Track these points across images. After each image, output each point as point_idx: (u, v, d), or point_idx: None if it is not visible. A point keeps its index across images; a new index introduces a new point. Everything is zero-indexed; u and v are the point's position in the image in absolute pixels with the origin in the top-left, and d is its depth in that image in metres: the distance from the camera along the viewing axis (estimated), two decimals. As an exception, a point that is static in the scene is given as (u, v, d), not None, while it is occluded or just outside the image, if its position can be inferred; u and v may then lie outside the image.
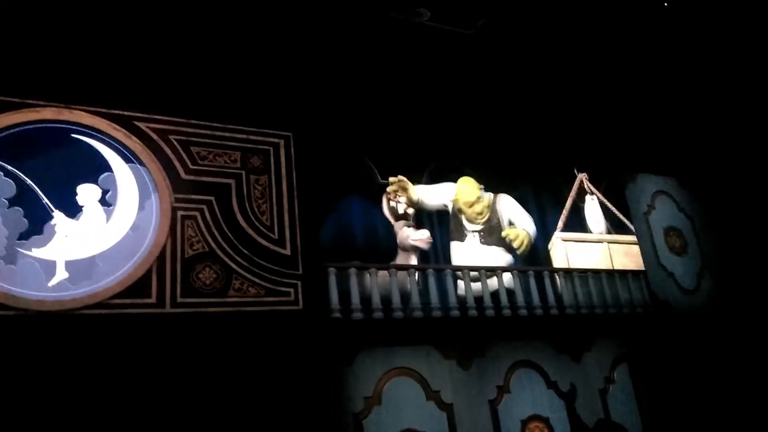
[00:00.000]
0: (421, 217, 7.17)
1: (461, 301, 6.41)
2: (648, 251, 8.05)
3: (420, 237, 6.67)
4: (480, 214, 7.31)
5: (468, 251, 7.08)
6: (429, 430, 5.71)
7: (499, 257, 7.18)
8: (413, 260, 6.65)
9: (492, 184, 7.79)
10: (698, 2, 6.68)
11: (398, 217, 6.80)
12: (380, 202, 6.77)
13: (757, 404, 7.30)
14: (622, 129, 8.37)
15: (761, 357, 7.66)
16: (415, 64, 6.72)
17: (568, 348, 6.80)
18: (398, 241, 6.68)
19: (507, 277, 6.81)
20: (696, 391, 7.11)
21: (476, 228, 7.29)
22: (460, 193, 7.40)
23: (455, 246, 7.08)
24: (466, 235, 7.21)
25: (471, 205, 7.34)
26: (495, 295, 6.64)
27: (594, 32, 6.98)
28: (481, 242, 7.23)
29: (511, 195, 7.84)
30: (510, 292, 6.71)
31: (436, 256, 6.99)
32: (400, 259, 6.62)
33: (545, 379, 6.54)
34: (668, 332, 7.45)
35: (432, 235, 6.93)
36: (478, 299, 6.51)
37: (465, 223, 7.27)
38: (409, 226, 6.74)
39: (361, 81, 6.60)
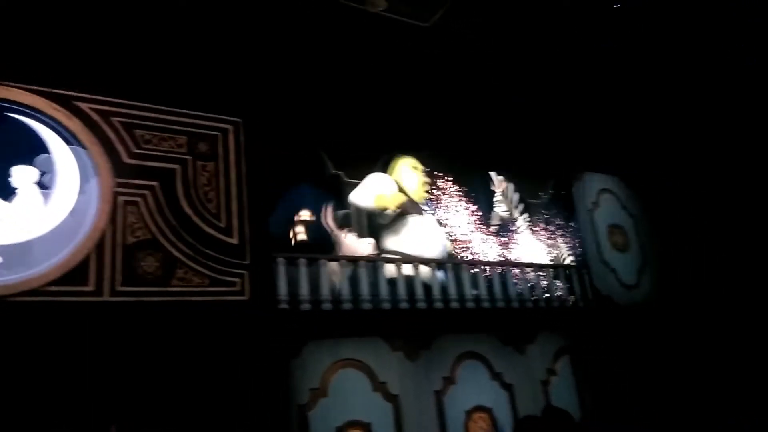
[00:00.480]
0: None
1: (410, 292, 6.42)
2: (591, 247, 8.28)
3: (365, 250, 6.51)
4: (423, 183, 7.30)
5: (429, 227, 7.05)
6: (374, 422, 5.71)
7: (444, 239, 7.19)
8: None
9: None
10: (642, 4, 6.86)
11: (341, 225, 6.64)
12: (332, 192, 6.67)
13: (692, 396, 7.64)
14: (571, 128, 8.57)
15: (697, 351, 8.01)
16: (369, 55, 6.69)
17: (513, 340, 6.93)
18: (342, 248, 6.51)
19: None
20: (635, 384, 7.37)
21: (425, 207, 7.27)
22: (410, 160, 7.39)
23: (416, 220, 6.97)
24: (423, 212, 7.14)
25: (417, 168, 7.31)
26: (434, 286, 6.66)
27: (546, 31, 7.12)
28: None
29: (459, 187, 7.89)
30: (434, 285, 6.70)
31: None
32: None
33: (490, 371, 6.65)
34: (609, 326, 7.70)
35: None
36: (427, 291, 6.53)
37: (418, 199, 7.19)
38: (351, 233, 6.59)
39: (313, 70, 6.51)
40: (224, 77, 5.85)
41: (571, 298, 7.76)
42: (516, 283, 7.34)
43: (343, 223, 6.71)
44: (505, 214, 7.94)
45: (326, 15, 6.15)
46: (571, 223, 8.53)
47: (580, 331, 7.52)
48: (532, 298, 7.36)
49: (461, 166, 7.94)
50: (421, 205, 7.17)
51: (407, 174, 7.26)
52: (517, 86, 7.86)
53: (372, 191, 6.66)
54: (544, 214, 8.53)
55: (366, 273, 6.26)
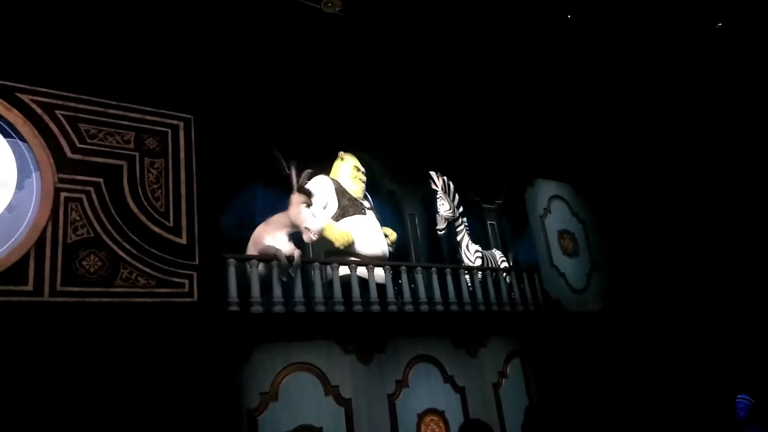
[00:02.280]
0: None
1: (364, 295, 6.37)
2: (542, 252, 8.44)
3: (314, 227, 6.18)
4: (363, 182, 7.18)
5: (372, 225, 6.94)
6: (326, 426, 5.64)
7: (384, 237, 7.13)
8: (288, 231, 6.21)
9: (392, 176, 7.86)
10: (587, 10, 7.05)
11: (301, 189, 6.32)
12: (285, 192, 6.53)
13: (640, 399, 7.86)
14: (524, 134, 8.74)
15: (643, 353, 8.25)
16: (323, 53, 6.66)
17: (465, 343, 6.97)
18: (291, 211, 6.20)
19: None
20: (583, 386, 7.53)
21: (368, 205, 7.14)
22: (352, 159, 7.27)
23: (360, 220, 6.83)
24: (365, 210, 7.00)
25: (359, 170, 7.20)
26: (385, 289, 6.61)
27: (502, 37, 7.25)
28: (378, 218, 7.13)
29: (409, 192, 7.92)
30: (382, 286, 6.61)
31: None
32: (278, 220, 6.21)
33: (442, 374, 6.67)
34: (558, 329, 7.85)
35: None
36: (381, 294, 6.50)
37: (358, 198, 7.05)
38: (308, 206, 6.27)
39: (267, 67, 6.44)
40: (175, 72, 5.70)
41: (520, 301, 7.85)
42: (469, 287, 7.38)
43: (304, 190, 6.40)
44: (448, 214, 7.93)
45: (280, 12, 6.09)
46: (515, 228, 8.68)
47: (530, 334, 7.64)
48: (485, 301, 7.41)
49: (412, 168, 7.96)
50: (362, 203, 7.05)
51: (348, 172, 7.16)
52: (474, 91, 7.97)
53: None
54: (488, 220, 8.65)
55: (319, 274, 6.19)
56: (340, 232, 6.57)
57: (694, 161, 9.20)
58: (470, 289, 7.37)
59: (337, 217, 6.81)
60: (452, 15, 6.70)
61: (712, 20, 7.47)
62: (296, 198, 6.29)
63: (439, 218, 7.87)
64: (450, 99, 7.94)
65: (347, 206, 6.87)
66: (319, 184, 6.84)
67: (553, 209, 8.99)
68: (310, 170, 6.54)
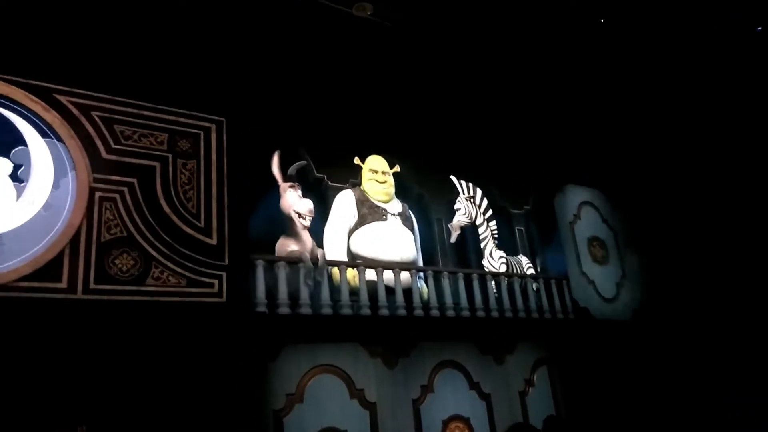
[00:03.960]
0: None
1: (390, 299, 6.36)
2: (571, 259, 8.31)
3: (302, 209, 6.22)
4: (381, 183, 7.11)
5: (393, 231, 6.91)
6: (351, 429, 5.65)
7: (413, 242, 7.09)
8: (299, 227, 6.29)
9: (421, 181, 7.83)
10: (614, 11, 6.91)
11: (285, 178, 6.38)
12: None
13: (667, 409, 7.69)
14: (554, 140, 8.64)
15: (673, 365, 8.07)
16: (354, 58, 6.68)
17: (492, 350, 6.91)
18: (281, 203, 6.30)
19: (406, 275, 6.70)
20: (611, 396, 7.39)
21: (395, 210, 7.10)
22: (369, 162, 7.22)
23: (379, 226, 6.83)
24: (387, 216, 6.99)
25: (376, 172, 7.15)
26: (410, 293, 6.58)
27: (533, 44, 7.18)
28: (403, 224, 7.08)
29: (437, 196, 7.85)
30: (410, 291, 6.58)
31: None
32: (289, 224, 6.29)
33: (468, 380, 6.61)
34: (587, 338, 7.72)
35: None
36: (408, 298, 6.48)
37: (380, 204, 7.03)
38: (295, 189, 6.31)
39: (298, 72, 6.49)
40: (208, 76, 5.79)
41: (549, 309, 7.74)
42: (495, 293, 7.31)
43: (290, 178, 6.45)
44: (464, 220, 7.82)
45: (311, 16, 6.12)
46: (543, 234, 8.56)
47: (557, 342, 7.53)
48: (512, 308, 7.32)
49: (439, 172, 7.92)
50: (383, 209, 7.02)
51: (366, 175, 7.15)
52: (505, 97, 7.90)
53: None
54: (516, 225, 8.54)
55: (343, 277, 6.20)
56: (349, 272, 6.44)
57: (730, 170, 8.98)
58: (496, 295, 7.30)
59: (356, 226, 6.81)
60: (482, 20, 6.66)
61: (753, 24, 7.28)
62: (282, 188, 6.35)
63: (451, 228, 7.78)
64: (480, 104, 7.90)
65: (366, 214, 6.88)
66: (340, 199, 6.87)
67: (583, 216, 8.85)
68: (301, 162, 6.56)
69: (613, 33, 7.17)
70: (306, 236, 6.26)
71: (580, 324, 7.84)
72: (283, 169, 6.44)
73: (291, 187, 6.32)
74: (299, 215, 6.22)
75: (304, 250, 6.09)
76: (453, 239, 7.76)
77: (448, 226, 7.80)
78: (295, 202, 6.23)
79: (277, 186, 6.45)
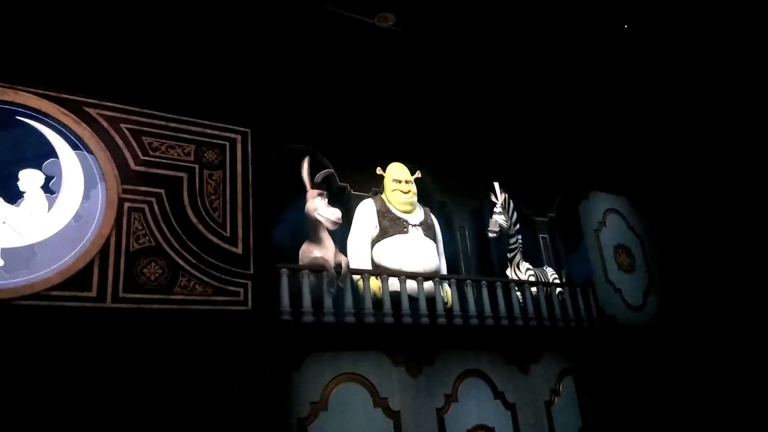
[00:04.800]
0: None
1: (413, 307, 6.35)
2: (597, 267, 8.22)
3: (329, 216, 6.19)
4: (405, 193, 7.04)
5: (414, 243, 6.85)
6: (375, 438, 5.65)
7: (435, 253, 7.04)
8: (325, 232, 6.25)
9: (443, 188, 7.80)
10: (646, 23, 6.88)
11: (314, 185, 6.39)
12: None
13: (696, 420, 7.53)
14: (579, 146, 8.57)
15: (702, 375, 7.92)
16: (378, 68, 6.73)
17: (516, 359, 6.85)
18: (306, 207, 6.30)
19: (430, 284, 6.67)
20: (639, 407, 7.28)
21: (416, 221, 7.04)
22: (389, 170, 7.17)
23: (400, 239, 6.78)
24: (407, 228, 6.93)
25: (400, 182, 7.08)
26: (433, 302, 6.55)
27: (556, 50, 7.16)
28: (425, 234, 7.01)
29: (459, 204, 7.82)
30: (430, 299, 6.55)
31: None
32: (312, 231, 6.27)
33: (493, 390, 6.56)
34: (614, 347, 7.62)
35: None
36: (431, 306, 6.47)
37: (401, 215, 6.98)
38: (322, 197, 6.30)
39: (323, 83, 6.56)
40: (233, 87, 5.89)
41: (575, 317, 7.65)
42: (520, 301, 7.25)
43: (319, 185, 6.46)
44: (504, 223, 7.76)
45: (334, 28, 6.19)
46: (568, 242, 8.47)
47: (584, 351, 7.44)
48: (537, 316, 7.26)
49: (466, 180, 7.89)
50: (405, 221, 6.97)
51: (389, 186, 7.12)
52: (526, 102, 7.88)
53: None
54: (540, 233, 8.46)
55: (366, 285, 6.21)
56: (373, 282, 6.42)
57: (757, 178, 8.81)
58: (521, 304, 7.24)
59: (378, 238, 6.81)
60: (505, 27, 6.66)
61: None
62: (309, 194, 6.36)
63: (492, 222, 7.63)
64: (504, 110, 7.88)
65: (387, 227, 6.86)
66: (362, 209, 6.87)
67: (608, 223, 8.75)
68: (329, 170, 6.59)
69: (638, 38, 7.10)
70: (329, 242, 6.28)
71: (606, 333, 7.73)
72: (311, 176, 6.46)
73: (319, 194, 6.35)
74: (323, 217, 6.22)
75: (327, 256, 6.12)
76: (493, 229, 7.63)
77: (490, 221, 7.68)
78: (320, 207, 6.25)
79: (300, 195, 6.49)
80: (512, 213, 7.93)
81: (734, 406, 7.79)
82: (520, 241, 7.92)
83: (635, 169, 9.09)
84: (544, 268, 8.09)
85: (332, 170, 6.68)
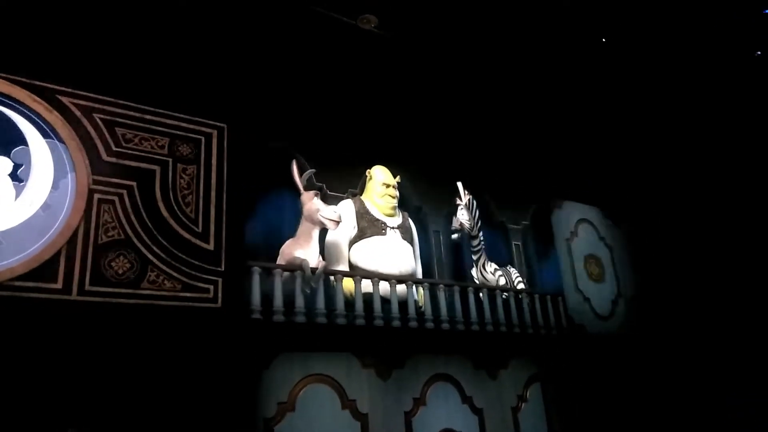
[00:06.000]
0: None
1: (386, 310, 6.35)
2: (567, 276, 8.33)
3: (330, 215, 6.21)
4: (394, 197, 7.11)
5: (391, 246, 6.87)
6: (342, 440, 5.62)
7: (411, 256, 7.06)
8: (315, 235, 6.28)
9: (420, 192, 7.83)
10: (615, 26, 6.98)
11: (308, 186, 6.42)
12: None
13: (663, 428, 7.67)
14: (554, 156, 8.68)
15: (670, 383, 8.07)
16: (355, 67, 6.73)
17: (486, 364, 6.89)
18: (304, 210, 6.30)
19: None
20: (605, 415, 7.38)
21: (394, 223, 7.06)
22: (377, 173, 7.20)
23: (377, 241, 6.80)
24: (386, 230, 6.96)
25: (388, 186, 7.13)
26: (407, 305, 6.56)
27: (533, 57, 7.24)
28: (402, 237, 7.05)
29: (435, 209, 7.85)
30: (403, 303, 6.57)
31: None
32: (302, 230, 6.27)
33: (461, 394, 6.59)
34: (581, 355, 7.72)
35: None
36: (402, 309, 6.47)
37: (380, 216, 7.00)
38: (319, 198, 6.34)
39: (300, 81, 6.54)
40: (211, 82, 5.83)
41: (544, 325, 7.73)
42: (491, 307, 7.30)
43: (311, 185, 6.49)
44: (466, 222, 7.79)
45: (316, 27, 6.18)
46: (540, 250, 8.56)
47: (552, 358, 7.52)
48: (507, 322, 7.31)
49: (442, 185, 7.92)
50: (383, 223, 6.99)
51: (377, 189, 7.13)
52: (505, 110, 7.96)
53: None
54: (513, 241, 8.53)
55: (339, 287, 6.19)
56: (348, 282, 6.43)
57: (726, 187, 9.04)
58: (492, 308, 7.28)
59: (356, 239, 6.81)
60: (484, 32, 6.73)
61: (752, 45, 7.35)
62: (306, 196, 6.35)
63: (454, 220, 7.67)
64: (479, 118, 7.95)
65: (365, 228, 6.87)
66: (340, 209, 6.82)
67: (579, 233, 8.89)
68: (312, 170, 6.58)
69: (613, 48, 7.23)
70: (315, 244, 6.26)
71: (574, 341, 7.83)
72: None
73: (316, 195, 6.34)
74: (326, 218, 6.20)
75: (309, 257, 6.08)
76: (455, 236, 7.68)
77: (453, 219, 7.70)
78: (322, 208, 6.25)
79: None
80: (475, 213, 7.95)
81: (708, 396, 7.96)
82: (482, 241, 7.92)
83: (607, 179, 9.24)
84: (508, 267, 8.13)
85: (314, 170, 6.65)
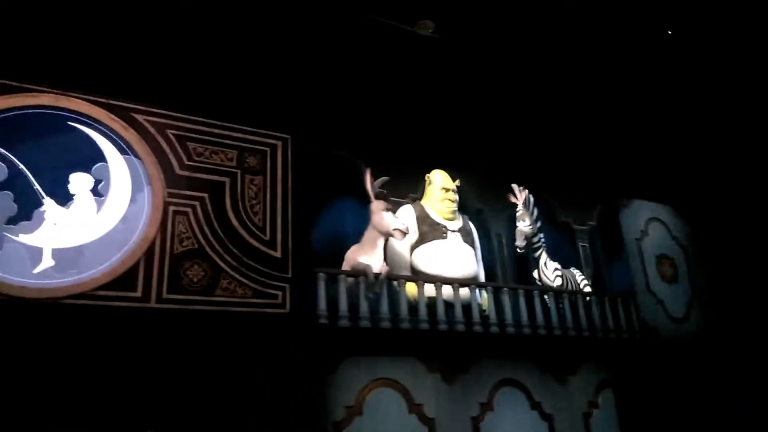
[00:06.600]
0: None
1: (449, 314, 6.33)
2: (638, 277, 8.04)
3: (400, 226, 6.30)
4: (453, 201, 7.12)
5: (452, 249, 6.87)
6: (409, 444, 5.64)
7: (473, 259, 7.03)
8: (380, 243, 6.36)
9: (480, 196, 7.77)
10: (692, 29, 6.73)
11: (378, 195, 6.48)
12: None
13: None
14: (621, 154, 8.41)
15: (745, 389, 7.65)
16: (417, 75, 6.75)
17: (554, 369, 6.75)
18: (373, 219, 6.37)
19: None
20: (680, 421, 7.07)
21: (455, 227, 7.06)
22: (437, 178, 7.23)
23: (438, 245, 6.82)
24: (447, 234, 6.96)
25: (447, 191, 7.15)
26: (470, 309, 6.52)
27: (598, 58, 7.06)
28: (464, 241, 7.03)
29: (496, 211, 7.77)
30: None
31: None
32: (368, 237, 6.36)
33: (529, 400, 6.48)
34: (655, 360, 7.43)
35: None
36: (466, 313, 6.44)
37: (440, 220, 7.02)
38: (388, 210, 6.41)
39: (361, 88, 6.62)
40: (275, 94, 6.01)
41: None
42: (559, 311, 7.15)
43: (381, 195, 6.53)
44: (527, 230, 7.67)
45: (377, 36, 6.24)
46: (609, 251, 8.30)
47: (624, 363, 7.27)
48: (575, 326, 7.14)
49: (504, 187, 7.83)
50: (444, 227, 6.98)
51: (437, 194, 7.15)
52: (567, 110, 7.79)
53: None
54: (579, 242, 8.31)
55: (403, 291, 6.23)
56: (411, 287, 6.45)
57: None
58: (561, 311, 7.13)
59: (417, 243, 6.84)
60: (544, 34, 6.61)
61: None
62: (376, 205, 6.42)
63: (518, 234, 7.61)
64: (540, 118, 7.80)
65: (426, 232, 6.89)
66: (400, 214, 6.87)
67: (650, 232, 8.56)
68: (385, 177, 6.63)
69: (680, 45, 6.96)
70: (380, 252, 6.35)
71: (647, 345, 7.55)
72: (373, 187, 6.54)
73: (385, 207, 6.43)
74: (396, 230, 6.31)
75: (373, 264, 6.17)
76: (519, 243, 7.60)
77: (516, 233, 7.64)
78: (392, 221, 6.35)
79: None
80: (533, 210, 7.81)
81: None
82: (543, 239, 7.79)
83: (679, 177, 8.87)
84: (572, 269, 7.95)
85: (388, 178, 6.69)
